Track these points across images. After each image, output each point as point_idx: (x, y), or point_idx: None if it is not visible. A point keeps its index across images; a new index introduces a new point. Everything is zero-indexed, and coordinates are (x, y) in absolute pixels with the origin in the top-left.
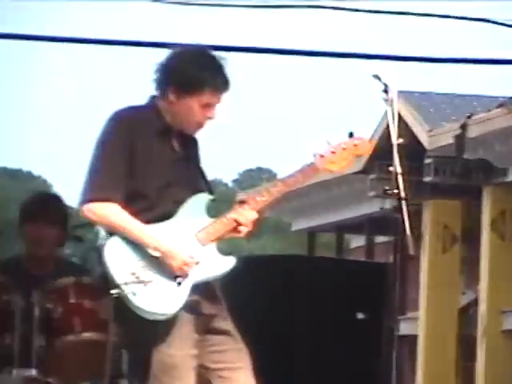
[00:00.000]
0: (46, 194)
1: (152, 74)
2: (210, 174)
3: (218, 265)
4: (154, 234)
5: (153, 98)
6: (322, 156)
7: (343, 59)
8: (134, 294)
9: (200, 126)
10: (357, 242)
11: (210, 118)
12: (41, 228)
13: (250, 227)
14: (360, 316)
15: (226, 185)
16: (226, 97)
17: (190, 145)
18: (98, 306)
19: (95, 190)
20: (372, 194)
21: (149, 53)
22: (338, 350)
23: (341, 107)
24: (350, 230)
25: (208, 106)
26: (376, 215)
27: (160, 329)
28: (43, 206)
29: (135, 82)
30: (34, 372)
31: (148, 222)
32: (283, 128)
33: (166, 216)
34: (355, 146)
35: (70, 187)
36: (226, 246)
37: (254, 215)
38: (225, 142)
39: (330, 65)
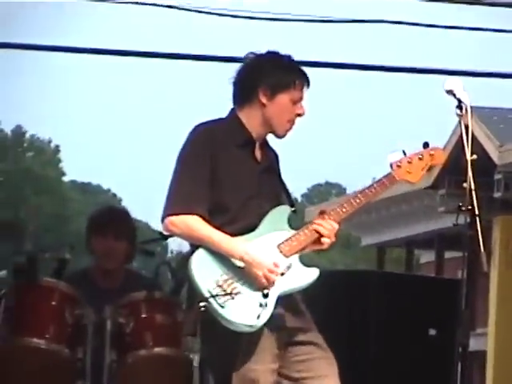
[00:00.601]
0: (113, 208)
1: (228, 88)
2: None
3: (301, 276)
4: (238, 243)
5: (232, 110)
6: (398, 166)
7: (413, 74)
8: (222, 307)
9: (291, 124)
10: (426, 257)
11: (299, 114)
12: (109, 241)
13: (332, 238)
14: (432, 332)
15: (295, 199)
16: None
17: (270, 156)
18: (170, 320)
19: (178, 203)
20: (442, 209)
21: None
22: (411, 366)
23: (411, 122)
24: (420, 246)
25: (297, 102)
26: (446, 231)
27: (242, 342)
28: (111, 219)
29: (206, 96)
30: None
31: (231, 234)
32: (352, 142)
33: (249, 229)
34: (431, 155)
35: (138, 202)
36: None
37: (336, 226)
38: (293, 157)
39: (401, 79)
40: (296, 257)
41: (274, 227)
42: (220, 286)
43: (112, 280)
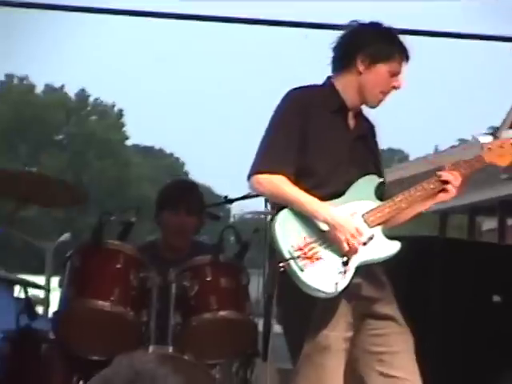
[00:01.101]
0: (185, 182)
1: (329, 54)
2: None
3: (383, 248)
4: (323, 205)
5: (328, 78)
6: (489, 149)
7: (478, 41)
8: (302, 270)
9: (384, 95)
10: (488, 224)
11: (395, 87)
12: (181, 217)
13: (454, 189)
14: (496, 299)
15: None
16: None
17: (364, 126)
18: (234, 284)
19: (267, 162)
20: (505, 176)
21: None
22: (475, 332)
23: (474, 89)
24: (482, 212)
25: (395, 75)
26: (509, 198)
27: (318, 307)
28: (183, 194)
29: (275, 61)
30: (170, 349)
31: (321, 198)
32: (416, 108)
33: (335, 194)
34: None
35: (201, 166)
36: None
37: (460, 179)
38: None
39: (467, 45)
40: (379, 228)
41: (361, 196)
42: (301, 249)
43: (179, 253)
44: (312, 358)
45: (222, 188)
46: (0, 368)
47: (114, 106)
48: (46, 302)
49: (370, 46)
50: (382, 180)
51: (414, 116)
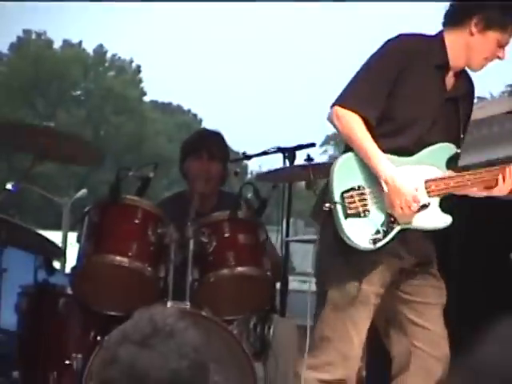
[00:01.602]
0: (207, 131)
1: (446, 8)
2: None
3: (433, 219)
4: (388, 164)
5: (440, 32)
6: None
7: None
8: (346, 218)
9: (487, 62)
10: None
11: (499, 57)
12: (204, 163)
13: (503, 190)
14: None
15: None
16: None
17: (463, 87)
18: (253, 240)
19: (354, 99)
20: None
21: None
22: (490, 290)
23: None
24: None
25: (502, 46)
26: None
27: (356, 258)
28: (205, 141)
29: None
30: (187, 304)
31: (388, 149)
32: None
33: (406, 151)
34: None
35: (219, 123)
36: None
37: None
38: None
39: None
40: (437, 199)
41: (432, 161)
42: (352, 197)
43: (207, 203)
44: (341, 308)
45: (239, 145)
46: (19, 323)
47: (131, 62)
48: (63, 257)
49: (489, 10)
50: (458, 151)
51: None
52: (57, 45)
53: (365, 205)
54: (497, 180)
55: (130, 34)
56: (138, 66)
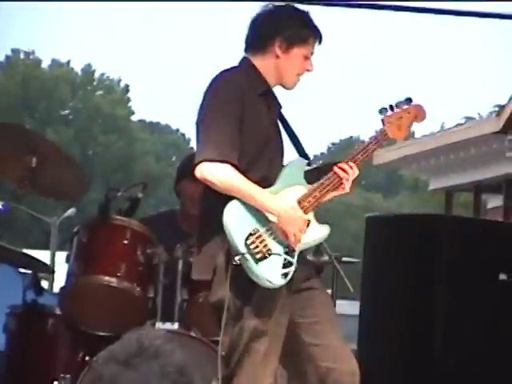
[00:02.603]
0: None
1: (244, 35)
2: (346, 132)
3: (316, 232)
4: (271, 198)
5: (245, 59)
6: (390, 123)
7: None
8: (257, 263)
9: (298, 79)
10: (494, 202)
11: (308, 69)
12: (198, 187)
13: (349, 184)
14: (503, 277)
15: (363, 141)
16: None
17: (277, 107)
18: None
19: (215, 150)
20: (511, 154)
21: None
22: (481, 311)
23: (481, 68)
24: (488, 190)
25: (308, 58)
26: None
27: (257, 295)
28: None
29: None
30: (176, 325)
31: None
32: (421, 87)
33: (264, 178)
34: (417, 110)
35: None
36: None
37: (357, 172)
38: (362, 100)
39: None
40: (312, 213)
41: (293, 181)
42: (253, 242)
43: (194, 224)
44: (249, 345)
45: None
46: (7, 343)
47: (119, 81)
48: (51, 278)
49: (288, 29)
50: (308, 161)
51: (419, 94)
52: (45, 64)
53: (265, 245)
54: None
55: (118, 53)
56: (127, 86)
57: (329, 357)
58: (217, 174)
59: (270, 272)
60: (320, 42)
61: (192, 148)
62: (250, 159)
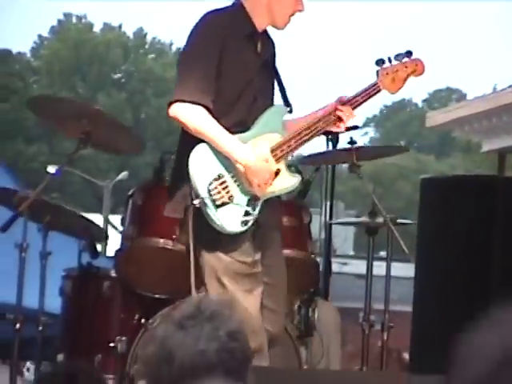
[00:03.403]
0: None
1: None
2: (399, 94)
3: (286, 181)
4: (239, 147)
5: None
6: (386, 73)
7: None
8: (216, 208)
9: (289, 19)
10: None
11: (300, 10)
12: None
13: (346, 124)
14: None
15: (415, 104)
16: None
17: (270, 48)
18: (297, 223)
19: (188, 91)
20: None
21: None
22: None
23: None
24: None
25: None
26: None
27: (229, 239)
28: None
29: None
30: None
31: (226, 129)
32: (474, 47)
33: (243, 125)
34: (416, 65)
35: None
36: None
37: (355, 114)
38: None
39: None
40: (283, 162)
41: (270, 128)
42: (216, 188)
43: None
44: (223, 282)
45: None
46: (63, 306)
47: (171, 44)
48: (104, 240)
49: None
50: (289, 109)
51: (472, 55)
52: (97, 28)
53: (228, 191)
54: (338, 120)
55: (169, 16)
56: (178, 49)
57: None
58: (187, 115)
59: (229, 218)
60: None
61: None
62: (228, 101)
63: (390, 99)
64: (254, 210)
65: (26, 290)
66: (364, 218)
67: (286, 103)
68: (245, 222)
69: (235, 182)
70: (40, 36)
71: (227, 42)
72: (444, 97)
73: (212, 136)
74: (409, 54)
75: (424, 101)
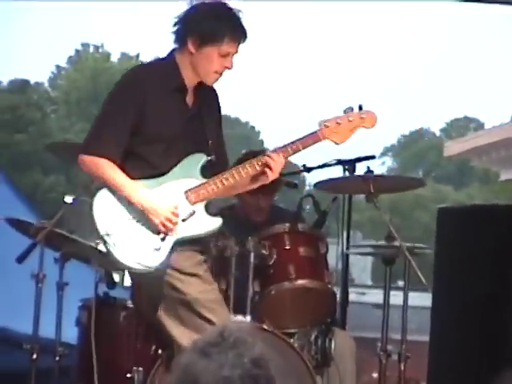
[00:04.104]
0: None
1: (171, 27)
2: (416, 123)
3: (203, 224)
4: (138, 190)
5: (172, 51)
6: (326, 126)
7: None
8: (115, 245)
9: (218, 75)
10: None
11: (227, 67)
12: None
13: (276, 173)
14: None
15: (433, 134)
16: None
17: (204, 99)
18: (313, 253)
19: (93, 144)
20: None
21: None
22: None
23: None
24: None
25: (226, 56)
26: None
27: (143, 283)
28: None
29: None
30: (248, 318)
31: (141, 178)
32: (492, 77)
33: (162, 168)
34: (361, 118)
35: (276, 134)
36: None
37: (283, 162)
38: (432, 92)
39: None
40: (201, 204)
41: (186, 174)
42: (118, 227)
43: (261, 215)
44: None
45: (298, 157)
46: (79, 336)
47: None
48: (122, 271)
49: (200, 27)
50: (210, 158)
51: (490, 84)
52: (114, 57)
53: (131, 231)
54: (266, 167)
55: None
56: None
57: None
58: (91, 166)
59: (132, 256)
60: (244, 40)
61: (263, 141)
62: (153, 165)
63: (408, 128)
64: (161, 248)
65: (42, 320)
66: (380, 248)
67: (207, 153)
68: (151, 260)
69: (140, 221)
70: (58, 66)
71: (150, 93)
72: (462, 126)
73: (113, 182)
74: (360, 107)
75: (442, 130)
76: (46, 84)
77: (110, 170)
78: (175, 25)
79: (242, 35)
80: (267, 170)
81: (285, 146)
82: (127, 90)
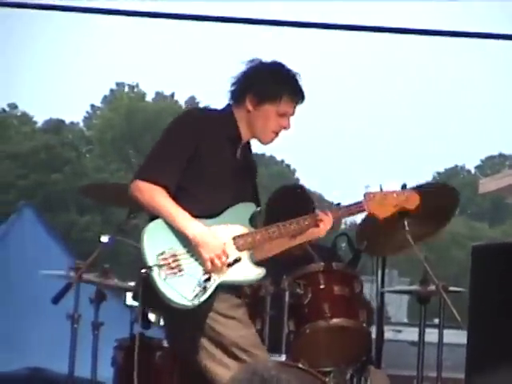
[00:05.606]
0: (293, 187)
1: (228, 86)
2: (451, 161)
3: (247, 272)
4: (193, 222)
5: (229, 105)
6: (372, 198)
7: None
8: (163, 280)
9: (274, 135)
10: None
11: (284, 127)
12: None
13: (327, 226)
14: None
15: (468, 171)
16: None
17: (249, 159)
18: (348, 291)
19: (153, 172)
20: None
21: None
22: None
23: None
24: None
25: (284, 116)
26: None
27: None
28: (293, 199)
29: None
30: (283, 357)
31: (193, 215)
32: None
33: (211, 210)
34: (406, 198)
35: (311, 172)
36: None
37: (331, 220)
38: (467, 128)
39: None
40: (247, 253)
41: (235, 220)
42: (166, 259)
43: (292, 253)
44: None
45: (332, 195)
46: (115, 376)
47: None
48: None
49: (259, 86)
50: (258, 209)
51: None
52: (149, 97)
53: (180, 265)
54: (316, 226)
55: (221, 85)
56: None
57: None
58: (145, 193)
59: (177, 291)
60: (301, 101)
61: (297, 179)
62: (200, 198)
63: (443, 166)
64: (207, 289)
65: (78, 360)
66: (415, 287)
67: (257, 204)
68: (195, 297)
69: (190, 257)
70: (93, 106)
71: (207, 135)
72: (497, 163)
73: (167, 212)
74: (403, 186)
75: (476, 167)
76: (81, 124)
77: (165, 199)
78: (233, 84)
79: (300, 96)
80: (320, 224)
81: (333, 211)
82: (186, 126)
